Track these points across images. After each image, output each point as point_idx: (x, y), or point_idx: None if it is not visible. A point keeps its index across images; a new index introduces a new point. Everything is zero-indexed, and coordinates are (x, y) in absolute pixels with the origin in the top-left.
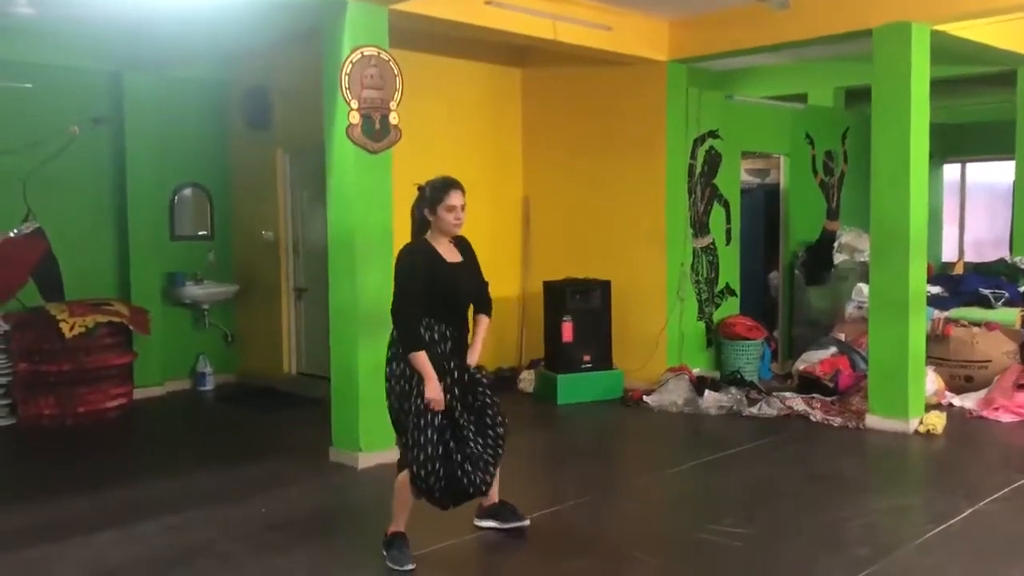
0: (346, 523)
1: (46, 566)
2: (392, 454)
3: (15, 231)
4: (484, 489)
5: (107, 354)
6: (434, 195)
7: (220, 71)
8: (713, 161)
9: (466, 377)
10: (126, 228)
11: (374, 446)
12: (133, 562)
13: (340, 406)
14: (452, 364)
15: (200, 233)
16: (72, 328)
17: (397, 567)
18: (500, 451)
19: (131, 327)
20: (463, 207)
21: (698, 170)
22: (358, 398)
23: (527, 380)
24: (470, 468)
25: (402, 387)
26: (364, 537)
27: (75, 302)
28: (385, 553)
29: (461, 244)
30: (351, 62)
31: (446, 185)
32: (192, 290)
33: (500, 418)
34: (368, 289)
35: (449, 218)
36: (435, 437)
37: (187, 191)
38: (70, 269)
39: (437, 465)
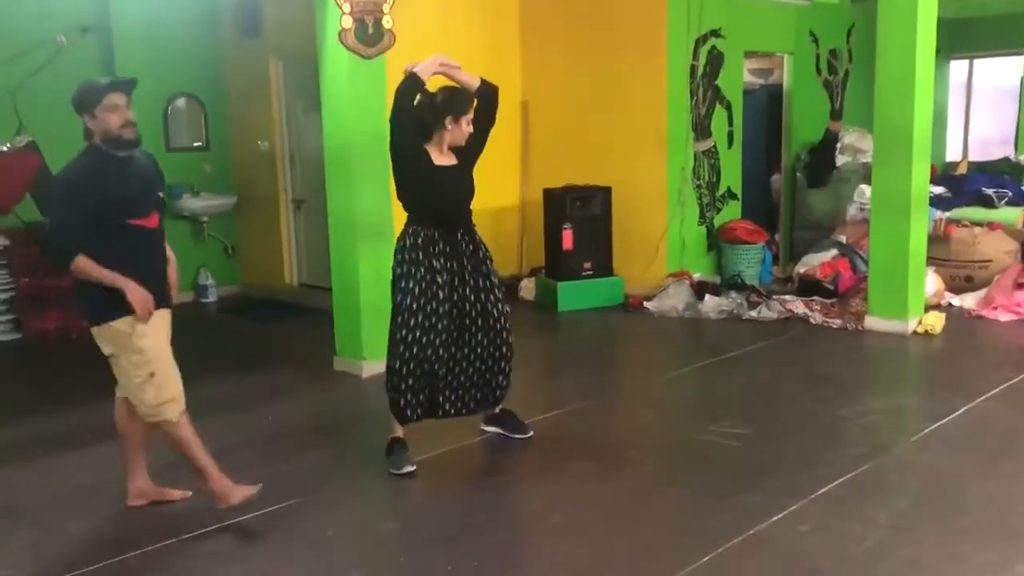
0: (351, 430)
1: (65, 472)
2: None
3: (7, 145)
4: (461, 412)
5: None
6: (460, 107)
7: None
8: (715, 61)
9: (472, 285)
10: None
11: (377, 355)
12: (148, 467)
13: (342, 316)
14: (450, 266)
15: (195, 144)
16: None
17: (396, 471)
18: (501, 377)
19: None
20: (470, 121)
21: (700, 71)
22: (359, 307)
23: (527, 288)
24: (447, 389)
25: (394, 282)
26: (369, 443)
27: None
28: (387, 459)
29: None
30: None
31: (471, 98)
32: (190, 202)
33: (507, 336)
34: (365, 197)
35: (467, 131)
36: (420, 338)
37: (180, 101)
38: None
39: (413, 366)
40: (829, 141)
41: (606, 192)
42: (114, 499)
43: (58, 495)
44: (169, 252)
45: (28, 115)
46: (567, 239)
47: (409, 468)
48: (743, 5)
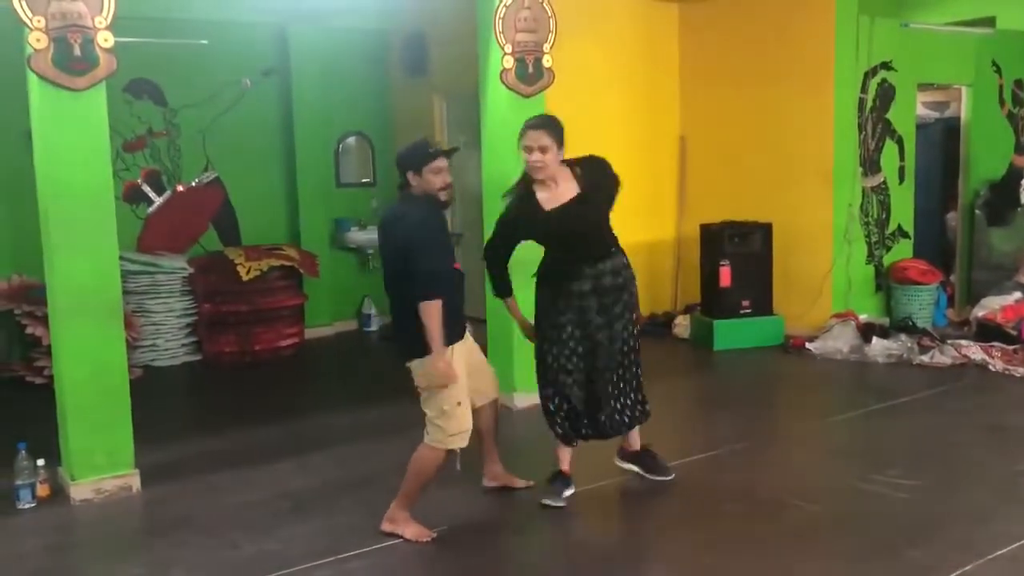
0: (504, 460)
1: (232, 489)
2: None
3: (196, 181)
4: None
5: (280, 296)
6: (519, 139)
7: (379, 20)
8: (886, 95)
9: (605, 319)
10: (295, 176)
11: (529, 387)
12: (309, 488)
13: (496, 348)
14: (584, 300)
15: (363, 180)
16: (248, 271)
17: (548, 502)
18: (627, 408)
19: (301, 270)
20: (541, 148)
21: (869, 105)
22: (512, 341)
23: (682, 326)
24: (587, 410)
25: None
26: (519, 474)
27: (250, 247)
28: (543, 487)
29: (588, 173)
30: (504, 5)
31: (523, 128)
32: (357, 235)
33: (628, 373)
34: None
35: (528, 158)
36: (557, 364)
37: (351, 139)
38: (245, 216)
39: (553, 392)
40: (1013, 177)
41: (766, 228)
42: (277, 515)
43: (228, 509)
44: None
45: (215, 153)
46: (725, 276)
47: (558, 503)
48: (917, 36)
